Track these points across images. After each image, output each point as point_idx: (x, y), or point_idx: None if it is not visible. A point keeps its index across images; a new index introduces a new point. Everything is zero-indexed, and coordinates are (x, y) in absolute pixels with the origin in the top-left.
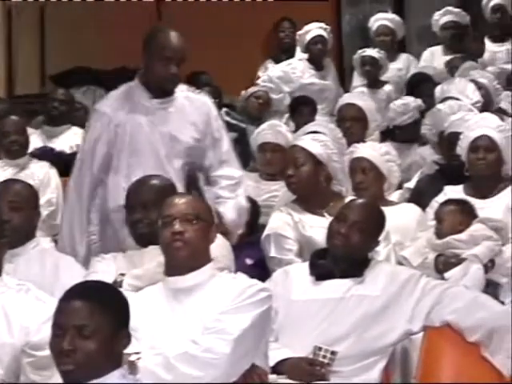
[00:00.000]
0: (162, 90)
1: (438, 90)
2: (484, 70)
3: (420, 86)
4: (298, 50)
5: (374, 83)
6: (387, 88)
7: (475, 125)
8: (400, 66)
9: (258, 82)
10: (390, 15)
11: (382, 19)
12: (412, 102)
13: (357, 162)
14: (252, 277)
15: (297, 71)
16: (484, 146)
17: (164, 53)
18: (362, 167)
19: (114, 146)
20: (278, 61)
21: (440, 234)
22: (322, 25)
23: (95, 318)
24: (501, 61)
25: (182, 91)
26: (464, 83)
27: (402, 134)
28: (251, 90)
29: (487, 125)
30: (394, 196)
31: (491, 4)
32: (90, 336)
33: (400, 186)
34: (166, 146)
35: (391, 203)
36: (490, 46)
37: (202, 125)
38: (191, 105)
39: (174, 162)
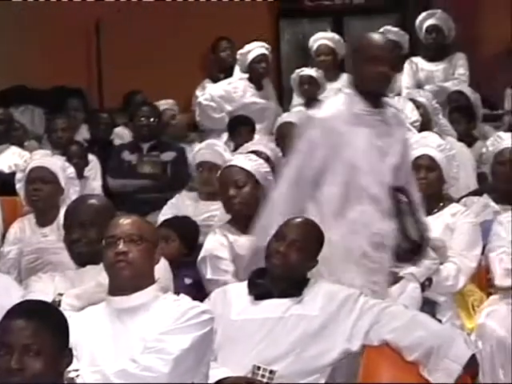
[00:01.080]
0: (374, 95)
1: None
2: (422, 89)
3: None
4: (237, 69)
5: (313, 102)
6: None
7: (416, 144)
8: (340, 86)
9: (198, 100)
10: (331, 34)
11: (323, 38)
12: None
13: None
14: (191, 296)
15: (238, 90)
16: (425, 165)
17: (370, 52)
18: None
19: (331, 155)
20: (215, 80)
21: None
22: (264, 44)
23: (40, 337)
24: (438, 79)
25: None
26: (403, 102)
27: None
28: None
29: (428, 144)
30: None
31: (426, 24)
32: (36, 355)
33: None
34: (380, 161)
35: None
36: (425, 65)
37: (402, 143)
38: (394, 118)
39: (386, 178)
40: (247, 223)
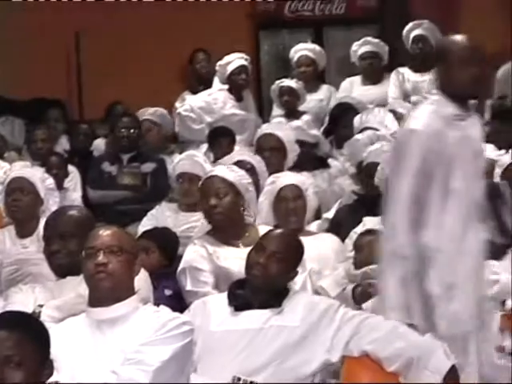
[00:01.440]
0: (466, 98)
1: (356, 120)
2: (405, 101)
3: (343, 116)
4: (216, 80)
5: (293, 113)
6: (305, 118)
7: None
8: (321, 97)
9: (178, 111)
10: (311, 45)
11: (303, 49)
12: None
13: (285, 190)
14: (171, 308)
15: (218, 102)
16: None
17: (462, 54)
18: (293, 196)
19: (444, 165)
20: (195, 92)
21: (358, 265)
22: (243, 55)
23: (22, 349)
24: (425, 90)
25: None
26: (383, 113)
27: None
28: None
29: None
30: (313, 226)
31: (412, 34)
32: (17, 366)
33: (318, 216)
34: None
35: (310, 233)
36: (412, 76)
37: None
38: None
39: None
40: (227, 234)
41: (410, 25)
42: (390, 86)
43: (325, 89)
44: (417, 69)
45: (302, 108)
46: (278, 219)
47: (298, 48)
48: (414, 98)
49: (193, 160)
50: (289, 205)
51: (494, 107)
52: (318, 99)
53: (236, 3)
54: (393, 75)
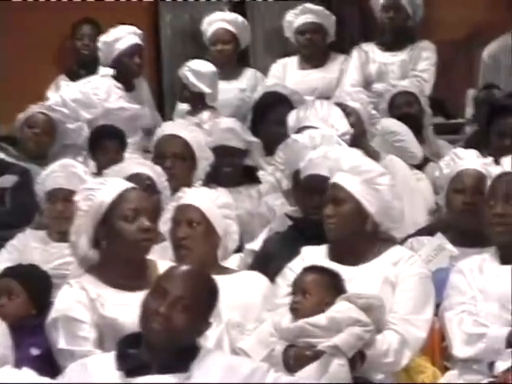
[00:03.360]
0: None
1: (291, 117)
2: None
3: (273, 110)
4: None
5: (203, 109)
6: (206, 116)
7: (323, 164)
8: (243, 86)
9: (47, 104)
10: (231, 15)
11: (220, 21)
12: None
13: (183, 211)
14: (39, 372)
15: (100, 92)
16: (333, 196)
17: None
18: (189, 218)
19: None
20: (74, 77)
21: (294, 315)
22: (136, 29)
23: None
24: (393, 75)
25: None
26: (327, 108)
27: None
28: (24, 115)
29: (341, 167)
30: (232, 261)
31: (381, 0)
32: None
33: (240, 248)
34: None
35: (227, 271)
36: (379, 56)
37: None
38: None
39: None
40: (122, 271)
41: None
42: (350, 69)
43: (248, 74)
44: (386, 46)
45: (215, 102)
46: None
47: (212, 19)
48: (376, 86)
49: (69, 172)
50: (179, 230)
51: (478, 100)
52: (239, 88)
53: None
54: (354, 53)
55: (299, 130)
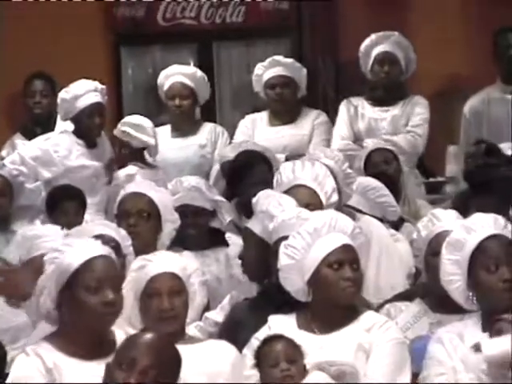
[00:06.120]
0: None
1: (280, 176)
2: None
3: (250, 170)
4: (59, 118)
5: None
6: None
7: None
8: (202, 142)
9: (2, 163)
10: (190, 69)
11: (178, 74)
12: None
13: (159, 281)
14: None
15: (60, 149)
16: (342, 259)
17: None
18: (169, 288)
19: None
20: (30, 135)
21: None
22: (97, 84)
23: None
24: (383, 131)
25: None
26: (300, 166)
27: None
28: None
29: (343, 229)
30: (191, 330)
31: (375, 52)
32: None
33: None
34: None
35: (194, 340)
36: (369, 111)
37: None
38: None
39: None
40: (81, 340)
41: (372, 38)
42: (338, 124)
43: (208, 129)
44: (377, 101)
45: (172, 156)
46: (147, 320)
47: (169, 72)
48: (368, 142)
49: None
50: (163, 301)
51: (468, 158)
52: (199, 144)
53: (86, 7)
54: (342, 107)
55: (288, 191)
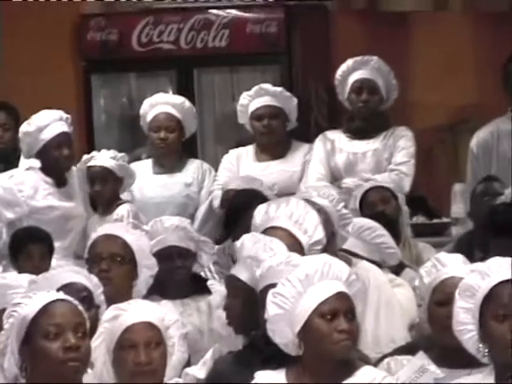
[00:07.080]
0: None
1: (258, 215)
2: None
3: (249, 209)
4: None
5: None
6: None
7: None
8: (188, 180)
9: None
10: (177, 98)
11: (165, 104)
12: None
13: (134, 332)
14: None
15: (25, 188)
16: (336, 309)
17: None
18: (145, 341)
19: None
20: None
21: None
22: (61, 114)
23: None
24: (363, 167)
25: None
26: (303, 209)
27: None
28: None
29: (337, 276)
30: None
31: (352, 79)
32: None
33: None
34: None
35: None
36: (347, 145)
37: None
38: None
39: None
40: None
41: (350, 63)
42: (313, 162)
43: (193, 166)
44: (356, 135)
45: (153, 194)
46: (122, 375)
47: (154, 101)
48: (347, 182)
49: None
50: (140, 354)
51: (476, 194)
52: (184, 183)
53: (52, 30)
54: (318, 142)
55: (265, 231)
